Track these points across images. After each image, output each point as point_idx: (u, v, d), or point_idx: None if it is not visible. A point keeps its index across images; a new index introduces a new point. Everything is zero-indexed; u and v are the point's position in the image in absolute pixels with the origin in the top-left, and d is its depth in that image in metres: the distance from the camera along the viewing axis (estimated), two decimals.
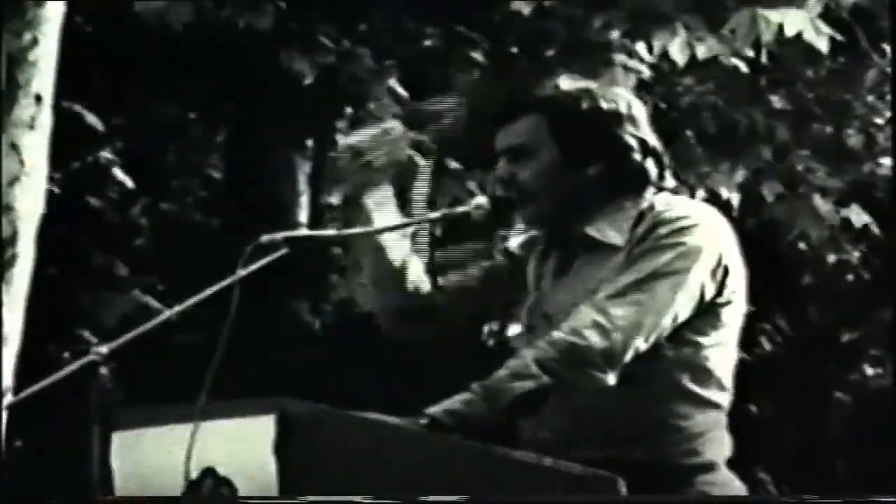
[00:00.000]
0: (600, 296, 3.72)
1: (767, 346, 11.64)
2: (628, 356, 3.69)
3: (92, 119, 10.24)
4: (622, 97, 3.97)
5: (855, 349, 12.19)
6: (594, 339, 3.66)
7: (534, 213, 3.94)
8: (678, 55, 9.19)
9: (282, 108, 10.84)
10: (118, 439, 3.58)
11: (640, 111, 3.95)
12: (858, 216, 10.41)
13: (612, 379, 3.68)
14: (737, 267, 3.86)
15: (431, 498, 3.43)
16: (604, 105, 3.91)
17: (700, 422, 3.83)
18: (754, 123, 10.20)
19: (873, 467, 12.00)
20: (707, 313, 3.81)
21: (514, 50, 9.72)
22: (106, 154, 10.24)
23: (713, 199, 9.51)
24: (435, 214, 4.13)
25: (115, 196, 11.02)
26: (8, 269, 5.82)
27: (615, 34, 9.66)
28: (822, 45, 9.13)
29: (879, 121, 10.36)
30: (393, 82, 10.48)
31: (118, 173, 10.54)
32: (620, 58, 9.63)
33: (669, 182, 3.97)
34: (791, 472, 11.65)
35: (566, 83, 3.97)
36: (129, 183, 10.55)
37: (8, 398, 5.72)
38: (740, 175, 10.08)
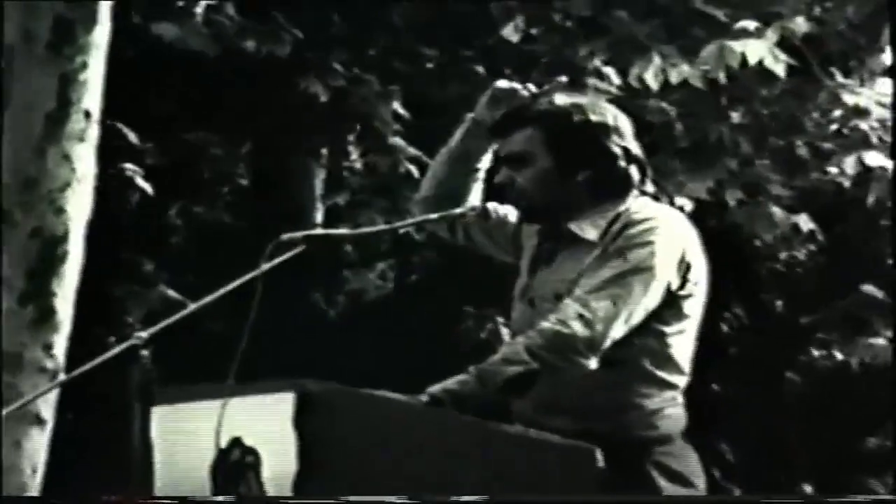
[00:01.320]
0: (582, 290, 3.73)
1: (727, 331, 11.66)
2: (607, 344, 3.70)
3: (132, 135, 10.26)
4: (609, 111, 3.97)
5: (804, 334, 12.18)
6: (578, 328, 3.68)
7: (530, 211, 3.95)
8: (652, 81, 9.25)
9: (300, 123, 10.84)
10: (157, 413, 3.58)
11: (625, 123, 3.95)
12: (806, 223, 10.44)
13: (593, 364, 3.70)
14: (698, 264, 3.86)
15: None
16: (593, 118, 3.92)
17: (658, 400, 3.83)
18: (721, 138, 10.20)
19: (821, 436, 12.00)
20: (671, 305, 3.82)
21: (507, 71, 9.70)
22: (132, 166, 10.22)
23: (684, 204, 9.51)
24: (434, 216, 4.13)
25: (154, 199, 11.03)
26: (60, 263, 5.82)
27: (597, 61, 9.70)
28: (780, 70, 9.21)
29: (825, 134, 10.35)
30: (396, 105, 10.51)
31: (140, 182, 10.51)
32: (592, 81, 9.65)
33: (649, 187, 3.98)
34: (747, 442, 11.65)
35: (560, 98, 3.97)
36: (150, 190, 10.53)
37: (60, 376, 5.73)
38: (708, 183, 10.08)
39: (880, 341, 11.59)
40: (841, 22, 10.23)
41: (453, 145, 4.20)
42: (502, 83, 4.10)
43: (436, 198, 4.19)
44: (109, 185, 9.11)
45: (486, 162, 4.20)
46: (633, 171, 3.92)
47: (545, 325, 3.69)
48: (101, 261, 6.36)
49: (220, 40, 9.61)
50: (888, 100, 10.10)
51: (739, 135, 10.27)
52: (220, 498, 3.51)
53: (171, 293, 10.31)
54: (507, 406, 3.81)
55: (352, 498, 3.36)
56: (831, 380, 12.19)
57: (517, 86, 4.08)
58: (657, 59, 9.40)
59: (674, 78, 9.34)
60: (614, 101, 4.67)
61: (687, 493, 3.83)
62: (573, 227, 3.87)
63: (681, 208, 9.24)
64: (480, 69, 10.16)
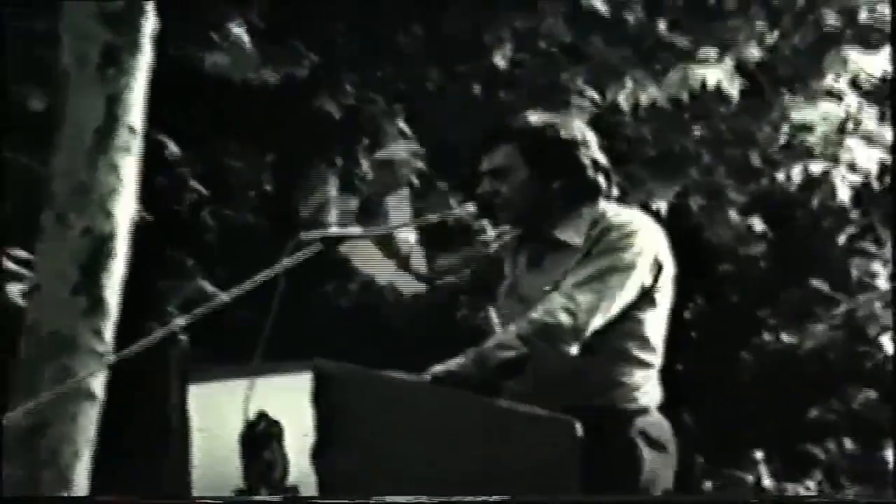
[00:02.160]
0: (567, 285, 3.74)
1: (691, 318, 11.68)
2: (588, 332, 3.71)
3: (172, 146, 10.26)
4: (578, 127, 3.98)
5: (757, 321, 12.19)
6: (564, 319, 3.69)
7: (512, 217, 3.95)
8: (624, 103, 9.33)
9: (316, 136, 10.86)
10: (193, 390, 3.59)
11: (591, 137, 3.96)
12: (758, 224, 10.51)
13: (575, 350, 3.72)
14: (667, 261, 3.88)
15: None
16: (563, 133, 3.92)
17: (637, 377, 3.84)
18: (684, 150, 10.23)
19: (770, 409, 12.00)
20: (645, 296, 3.83)
21: (500, 91, 9.73)
22: (178, 172, 10.25)
23: (647, 208, 9.54)
24: (433, 217, 4.13)
25: (189, 203, 11.04)
26: (108, 259, 5.81)
27: (578, 82, 9.73)
28: (735, 91, 9.29)
29: (775, 147, 10.36)
30: (400, 121, 10.53)
31: (194, 184, 10.56)
32: (576, 100, 9.67)
33: (615, 192, 3.99)
34: (707, 414, 11.66)
35: (534, 117, 3.98)
36: (204, 191, 10.58)
37: (109, 358, 5.72)
38: (674, 190, 10.11)
39: (823, 327, 11.61)
40: (788, 49, 10.26)
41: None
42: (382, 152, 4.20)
43: None
44: (155, 191, 9.12)
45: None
46: (601, 179, 3.93)
47: (534, 315, 3.71)
48: (147, 256, 6.35)
49: (247, 64, 9.65)
50: (833, 116, 10.13)
51: (700, 147, 10.30)
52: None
53: (207, 285, 10.32)
54: (500, 384, 3.80)
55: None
56: (780, 360, 12.19)
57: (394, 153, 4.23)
58: (629, 83, 9.46)
59: (644, 99, 9.40)
60: (594, 117, 4.67)
61: (663, 457, 3.83)
62: (558, 234, 3.88)
63: (657, 211, 9.26)
64: (476, 90, 10.18)
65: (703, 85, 9.37)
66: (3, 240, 8.41)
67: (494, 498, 3.44)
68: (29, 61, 8.57)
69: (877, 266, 11.46)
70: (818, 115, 10.23)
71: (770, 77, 10.24)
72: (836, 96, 10.26)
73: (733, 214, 10.44)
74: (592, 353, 3.74)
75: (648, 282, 3.80)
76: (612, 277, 3.76)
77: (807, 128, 10.24)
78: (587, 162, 3.90)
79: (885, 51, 10.22)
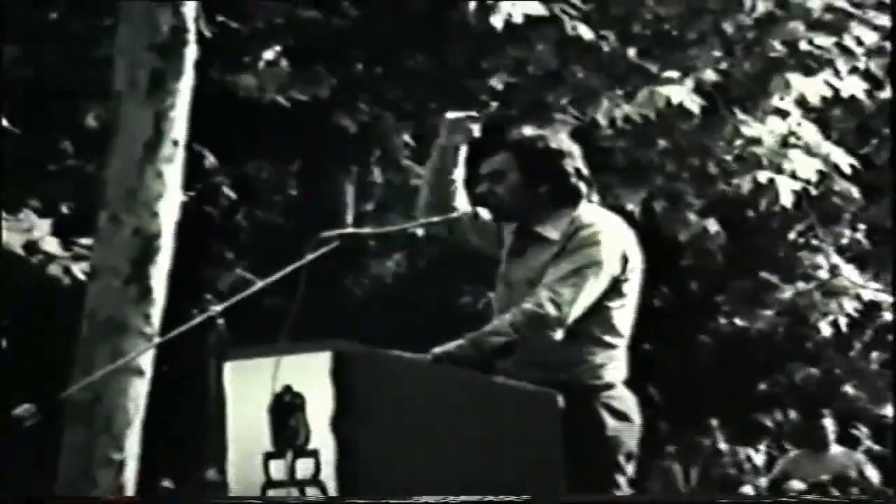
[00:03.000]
0: (550, 280, 3.75)
1: (657, 305, 11.70)
2: (570, 321, 3.72)
3: (211, 157, 10.29)
4: (564, 140, 3.98)
5: (713, 307, 12.19)
6: (550, 310, 3.70)
7: (504, 213, 3.95)
8: (602, 119, 9.37)
9: (335, 148, 10.86)
10: (228, 367, 3.57)
11: (575, 149, 3.96)
12: (713, 226, 10.53)
13: (559, 336, 3.72)
14: (634, 256, 3.87)
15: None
16: (552, 145, 3.92)
17: (602, 357, 3.83)
18: (650, 160, 10.25)
19: (725, 383, 12.01)
20: (614, 288, 3.82)
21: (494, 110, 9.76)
22: (217, 180, 10.27)
23: (623, 210, 9.57)
24: (437, 218, 4.11)
25: (225, 206, 11.06)
26: (155, 254, 5.80)
27: (562, 102, 9.78)
28: (695, 109, 9.29)
29: (729, 157, 10.36)
30: (407, 136, 10.55)
31: (228, 191, 10.57)
32: (559, 116, 9.69)
33: (594, 197, 3.99)
34: (670, 388, 11.66)
35: (528, 130, 3.99)
36: (234, 195, 10.59)
37: (156, 339, 5.71)
38: (641, 195, 10.13)
39: (770, 313, 11.62)
40: (740, 74, 10.26)
41: (431, 165, 4.18)
42: (451, 114, 4.12)
43: (429, 206, 4.16)
44: (199, 195, 9.13)
45: (459, 175, 4.16)
46: (582, 186, 3.92)
47: (525, 306, 3.71)
48: (189, 252, 6.34)
49: (276, 86, 9.65)
50: (778, 131, 10.13)
51: (665, 158, 10.30)
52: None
53: (247, 275, 10.34)
54: (493, 363, 3.79)
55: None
56: (733, 342, 12.20)
57: (462, 114, 4.07)
58: (605, 102, 9.48)
59: (618, 115, 9.42)
60: (573, 131, 4.68)
61: (626, 426, 3.82)
62: (539, 229, 3.87)
63: (631, 212, 9.26)
64: (474, 109, 10.19)
65: (668, 103, 9.37)
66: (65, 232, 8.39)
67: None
68: (86, 83, 8.56)
69: (819, 259, 11.46)
70: (765, 130, 10.24)
71: (724, 97, 10.23)
72: (781, 114, 10.27)
73: (691, 217, 10.45)
74: (571, 338, 3.74)
75: (618, 272, 3.80)
76: (588, 273, 3.75)
77: (756, 141, 10.23)
78: (571, 170, 3.90)
79: (822, 75, 10.23)
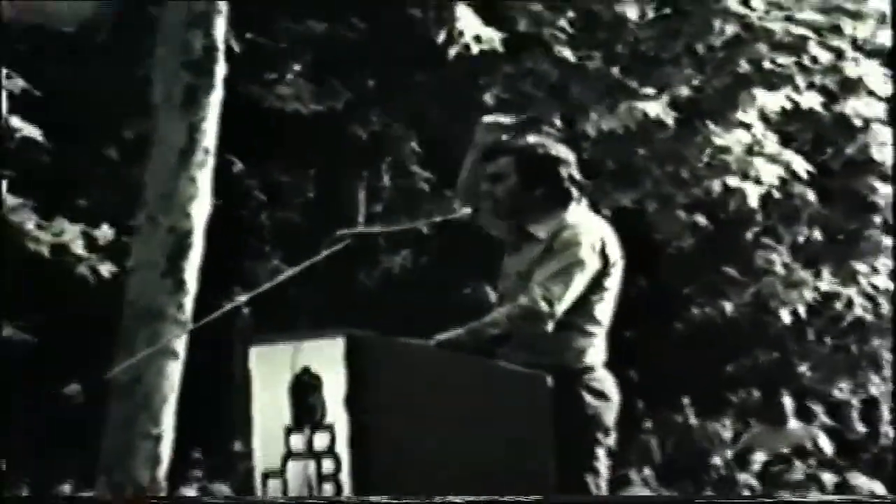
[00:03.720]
0: (542, 278, 3.73)
1: (635, 295, 11.68)
2: (560, 314, 3.71)
3: (238, 163, 10.28)
4: (561, 148, 3.96)
5: (686, 298, 12.17)
6: (543, 306, 3.69)
7: (502, 212, 3.94)
8: (591, 130, 9.40)
9: (348, 155, 10.85)
10: (253, 351, 3.55)
11: (570, 156, 3.93)
12: (698, 221, 10.56)
13: (550, 328, 3.70)
14: (613, 254, 3.84)
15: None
16: (550, 152, 3.90)
17: (584, 343, 3.81)
18: (639, 165, 10.29)
19: (695, 365, 11.97)
20: (595, 282, 3.80)
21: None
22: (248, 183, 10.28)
23: (618, 210, 9.64)
24: (439, 218, 4.10)
25: (252, 207, 11.06)
26: (188, 250, 5.80)
27: (554, 115, 9.83)
28: (670, 121, 9.31)
29: (700, 164, 10.36)
30: (414, 144, 10.54)
31: (255, 193, 10.58)
32: (546, 128, 9.71)
33: (584, 201, 3.96)
34: (647, 370, 11.61)
35: (530, 138, 3.97)
36: (262, 198, 10.60)
37: (189, 326, 5.70)
38: (634, 195, 10.17)
39: (736, 302, 11.61)
40: (710, 89, 10.26)
41: (470, 159, 4.16)
42: (488, 118, 4.08)
43: (464, 191, 4.12)
44: (228, 198, 9.11)
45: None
46: (574, 190, 3.90)
47: (521, 301, 3.70)
48: (221, 246, 6.33)
49: (296, 99, 9.64)
50: (744, 141, 10.15)
51: (648, 163, 10.32)
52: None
53: (281, 264, 10.32)
54: (490, 350, 3.77)
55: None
56: (703, 328, 12.17)
57: (499, 119, 4.05)
58: (593, 115, 9.49)
59: (604, 127, 9.44)
60: (563, 140, 4.65)
61: (605, 404, 3.80)
62: (531, 228, 3.86)
63: (612, 214, 9.26)
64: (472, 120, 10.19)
65: (646, 116, 9.39)
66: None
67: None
68: (127, 98, 8.55)
69: (777, 256, 11.44)
70: (733, 140, 10.24)
71: (697, 110, 10.25)
72: (747, 126, 10.27)
73: (679, 215, 10.47)
74: (557, 327, 3.73)
75: (598, 268, 3.79)
76: (574, 271, 3.73)
77: (724, 150, 10.23)
78: (565, 175, 3.88)
79: (784, 90, 10.24)
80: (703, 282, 11.83)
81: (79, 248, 8.12)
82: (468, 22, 9.15)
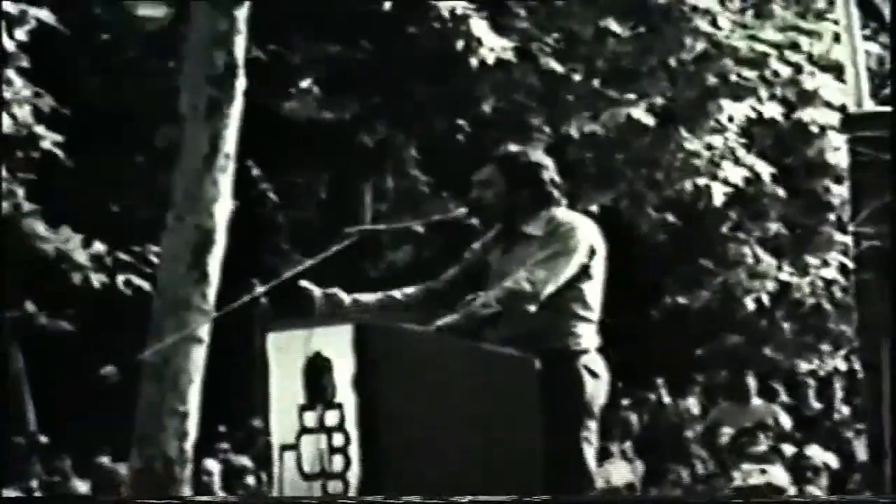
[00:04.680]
0: (529, 264, 3.72)
1: (616, 286, 11.61)
2: (543, 297, 3.69)
3: (255, 169, 10.28)
4: (541, 153, 3.96)
5: (661, 288, 12.15)
6: (527, 287, 3.66)
7: (492, 216, 3.92)
8: (575, 133, 9.40)
9: (356, 161, 10.84)
10: (271, 337, 3.54)
11: (550, 162, 3.93)
12: (670, 218, 10.56)
13: (534, 308, 3.68)
14: (599, 246, 3.84)
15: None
16: (532, 158, 3.90)
17: (580, 328, 3.80)
18: (618, 168, 10.31)
19: (670, 349, 11.93)
20: (584, 272, 3.79)
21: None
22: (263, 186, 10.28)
23: (596, 209, 9.64)
24: (437, 217, 4.08)
25: (269, 207, 11.05)
26: (211, 246, 5.77)
27: (542, 121, 9.85)
28: (651, 122, 9.35)
29: (673, 167, 10.36)
30: (414, 150, 10.55)
31: (271, 195, 10.57)
32: (536, 134, 9.72)
33: (564, 201, 3.95)
34: (627, 352, 11.55)
35: (512, 147, 3.97)
36: (275, 198, 10.58)
37: (212, 314, 5.68)
38: (610, 196, 10.18)
39: (707, 292, 11.61)
40: (682, 99, 10.27)
41: None
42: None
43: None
44: (247, 198, 9.11)
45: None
46: (555, 192, 3.90)
47: (507, 284, 3.67)
48: (241, 242, 6.31)
49: (310, 108, 9.66)
50: (713, 146, 10.18)
51: (625, 167, 10.32)
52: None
53: (297, 259, 10.31)
54: (482, 330, 3.76)
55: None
56: (677, 315, 12.16)
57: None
58: (577, 122, 9.51)
59: (586, 130, 9.45)
60: (549, 146, 4.65)
61: (598, 382, 3.79)
62: (526, 229, 3.85)
63: (596, 212, 9.26)
64: (467, 129, 10.19)
65: (629, 118, 9.42)
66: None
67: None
68: (156, 110, 8.54)
69: (748, 248, 11.44)
70: (702, 145, 10.25)
71: (670, 118, 10.26)
72: (715, 132, 10.28)
73: (650, 213, 10.48)
74: (548, 312, 3.72)
75: (585, 260, 3.78)
76: (560, 259, 3.72)
77: (695, 154, 10.24)
78: (547, 179, 3.87)
79: (748, 101, 10.27)
80: (678, 273, 11.83)
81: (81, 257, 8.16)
82: (483, 33, 9.20)
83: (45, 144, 8.49)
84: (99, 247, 8.64)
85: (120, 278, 8.60)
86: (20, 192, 8.56)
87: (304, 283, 3.67)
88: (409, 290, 3.83)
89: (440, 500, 3.25)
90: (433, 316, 3.66)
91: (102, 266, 8.59)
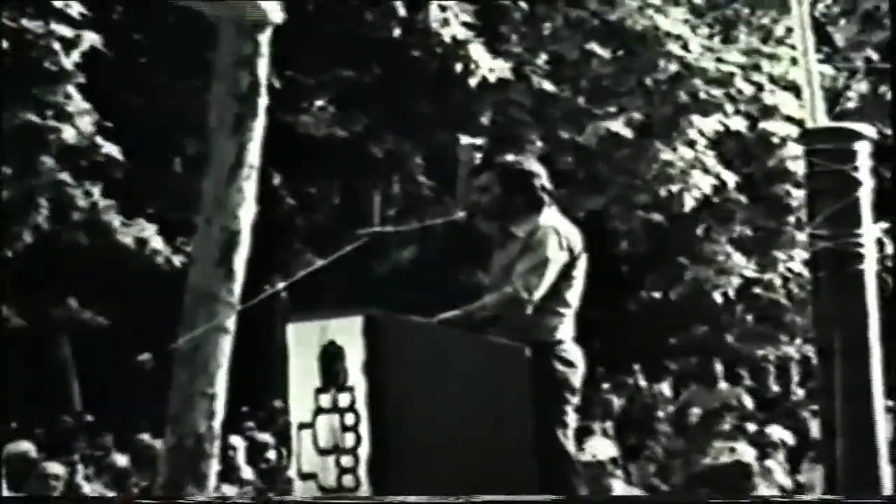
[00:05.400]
0: (522, 270, 3.72)
1: (598, 282, 11.58)
2: (537, 300, 3.70)
3: (276, 177, 10.27)
4: (534, 163, 3.96)
5: (638, 282, 12.13)
6: (524, 294, 3.69)
7: (489, 218, 3.92)
8: (563, 146, 9.44)
9: (367, 171, 10.82)
10: (290, 327, 3.54)
11: (542, 170, 3.93)
12: (655, 218, 10.59)
13: (530, 311, 3.69)
14: (577, 248, 3.84)
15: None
16: (525, 167, 3.90)
17: (557, 321, 3.80)
18: (601, 176, 10.31)
19: (645, 338, 11.91)
20: (564, 273, 3.79)
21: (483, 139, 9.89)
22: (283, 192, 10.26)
23: (585, 213, 9.66)
24: (440, 220, 4.08)
25: (287, 211, 11.04)
26: (237, 246, 5.75)
27: (532, 134, 9.87)
28: (629, 134, 9.35)
29: (649, 176, 10.34)
30: (418, 159, 10.53)
31: (290, 200, 10.55)
32: (529, 145, 9.72)
33: (554, 206, 3.94)
34: (606, 342, 11.55)
35: (509, 156, 3.97)
36: (294, 203, 10.56)
37: (238, 307, 5.68)
38: (597, 200, 10.22)
39: (679, 287, 11.60)
40: (657, 114, 10.27)
41: (461, 173, 4.13)
42: (464, 139, 4.06)
43: (460, 198, 4.12)
44: (269, 203, 9.09)
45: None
46: (546, 197, 3.89)
47: (506, 290, 3.70)
48: (263, 243, 6.29)
49: (324, 124, 9.65)
50: (685, 157, 10.18)
51: (608, 175, 10.32)
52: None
53: (313, 258, 10.28)
54: (481, 328, 3.75)
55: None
56: (652, 308, 12.15)
57: (472, 140, 4.04)
58: (565, 134, 9.52)
59: (574, 142, 9.49)
60: (540, 156, 4.65)
61: (572, 370, 3.79)
62: (513, 229, 3.85)
63: (581, 216, 9.26)
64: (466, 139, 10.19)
65: (608, 132, 9.42)
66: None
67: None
68: (188, 124, 8.53)
69: (720, 247, 11.44)
70: (676, 156, 10.25)
71: (647, 130, 10.26)
72: (687, 144, 10.28)
73: (636, 214, 10.50)
74: (536, 310, 3.73)
75: (566, 262, 3.78)
76: (549, 265, 3.73)
77: (669, 164, 10.24)
78: (538, 185, 3.87)
79: (716, 116, 10.28)
80: (654, 271, 11.83)
81: (158, 243, 8.20)
82: (481, 56, 9.21)
83: (104, 151, 8.59)
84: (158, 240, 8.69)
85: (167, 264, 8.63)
86: (96, 190, 8.65)
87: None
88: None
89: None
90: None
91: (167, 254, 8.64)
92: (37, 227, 8.34)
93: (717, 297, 11.30)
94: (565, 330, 3.83)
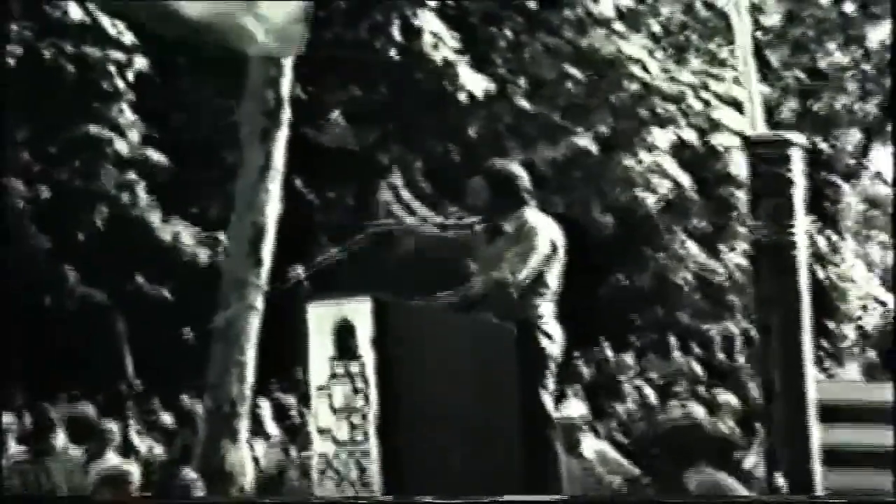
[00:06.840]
0: (510, 259, 3.70)
1: (573, 270, 11.53)
2: (521, 284, 3.68)
3: (298, 181, 10.24)
4: (517, 167, 3.95)
5: (612, 270, 12.10)
6: (510, 277, 3.66)
7: (480, 215, 3.90)
8: (541, 157, 9.41)
9: (376, 175, 10.79)
10: (311, 308, 3.51)
11: (524, 173, 3.92)
12: (622, 216, 10.62)
13: (516, 294, 3.67)
14: (559, 241, 3.82)
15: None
16: (511, 171, 3.89)
17: (539, 301, 3.78)
18: (576, 179, 10.30)
19: (619, 319, 11.85)
20: (546, 262, 3.77)
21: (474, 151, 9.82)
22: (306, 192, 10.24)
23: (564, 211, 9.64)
24: (439, 220, 4.06)
25: (309, 209, 11.00)
26: (264, 238, 5.74)
27: (518, 145, 9.87)
28: (594, 149, 9.31)
29: (615, 180, 10.32)
30: (419, 164, 10.50)
31: (311, 198, 10.51)
32: (514, 154, 9.72)
33: (534, 204, 3.92)
34: (579, 321, 11.41)
35: (498, 162, 3.96)
36: (316, 202, 10.54)
37: (265, 290, 5.66)
38: (571, 201, 10.21)
39: (648, 274, 11.63)
40: (621, 129, 10.26)
41: None
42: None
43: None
44: (293, 202, 9.05)
45: None
46: (528, 197, 3.87)
47: (494, 274, 3.68)
48: (287, 236, 6.26)
49: (338, 136, 9.63)
50: (645, 163, 10.16)
51: (580, 180, 10.32)
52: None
53: (334, 249, 10.25)
54: (474, 307, 3.73)
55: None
56: (620, 292, 12.13)
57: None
58: (539, 147, 9.52)
59: (548, 155, 9.48)
60: (524, 163, 4.63)
61: (551, 343, 3.77)
62: (503, 225, 3.84)
63: (558, 214, 9.23)
64: (459, 149, 10.18)
65: (577, 146, 9.40)
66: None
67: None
68: (223, 136, 8.50)
69: (679, 239, 11.46)
70: (637, 163, 10.25)
71: (616, 144, 10.26)
72: (648, 150, 10.27)
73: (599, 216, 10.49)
74: (523, 294, 3.71)
75: (548, 252, 3.76)
76: (533, 255, 3.72)
77: (631, 169, 10.24)
78: (522, 187, 3.85)
79: (671, 128, 10.28)
80: (625, 260, 11.84)
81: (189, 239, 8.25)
82: (469, 77, 9.22)
83: (153, 159, 8.60)
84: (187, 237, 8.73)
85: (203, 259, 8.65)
86: (140, 189, 8.72)
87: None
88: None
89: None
90: None
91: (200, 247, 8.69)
92: (92, 223, 8.39)
93: (677, 282, 11.32)
94: (547, 309, 3.81)
